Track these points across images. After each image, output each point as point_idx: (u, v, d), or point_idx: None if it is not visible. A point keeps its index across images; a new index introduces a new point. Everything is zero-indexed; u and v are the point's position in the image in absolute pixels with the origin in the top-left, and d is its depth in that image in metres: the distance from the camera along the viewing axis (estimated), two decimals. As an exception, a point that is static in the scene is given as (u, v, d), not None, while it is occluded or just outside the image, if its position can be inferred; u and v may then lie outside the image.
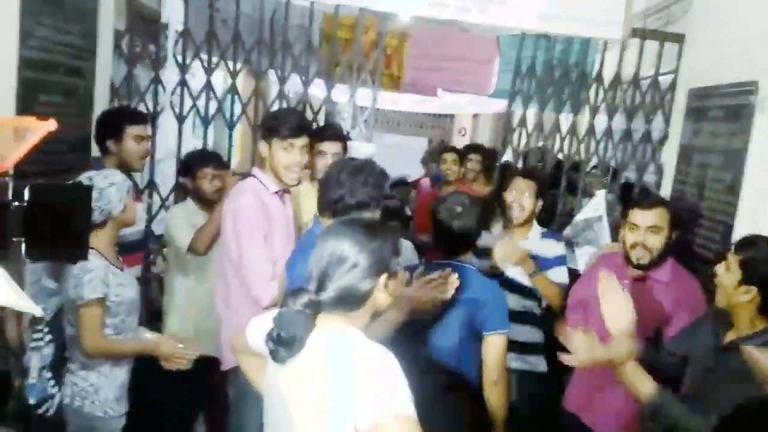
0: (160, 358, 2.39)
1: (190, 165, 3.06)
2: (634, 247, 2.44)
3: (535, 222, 2.98)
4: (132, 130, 2.80)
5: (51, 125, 0.83)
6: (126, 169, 2.80)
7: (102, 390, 2.30)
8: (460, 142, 9.89)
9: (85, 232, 0.85)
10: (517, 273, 2.85)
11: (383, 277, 1.49)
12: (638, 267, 2.48)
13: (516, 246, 2.79)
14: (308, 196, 2.78)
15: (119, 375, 2.35)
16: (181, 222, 2.94)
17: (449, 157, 4.46)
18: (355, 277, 1.45)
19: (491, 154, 4.42)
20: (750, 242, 1.90)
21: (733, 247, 1.95)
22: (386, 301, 1.53)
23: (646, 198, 2.96)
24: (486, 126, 9.31)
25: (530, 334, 2.89)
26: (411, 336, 2.09)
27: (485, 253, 2.78)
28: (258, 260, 2.25)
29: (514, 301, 2.79)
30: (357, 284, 1.46)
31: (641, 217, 2.45)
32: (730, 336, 1.92)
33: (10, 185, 0.76)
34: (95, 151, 2.99)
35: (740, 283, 1.84)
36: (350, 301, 1.47)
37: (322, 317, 1.47)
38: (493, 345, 2.21)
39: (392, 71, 4.61)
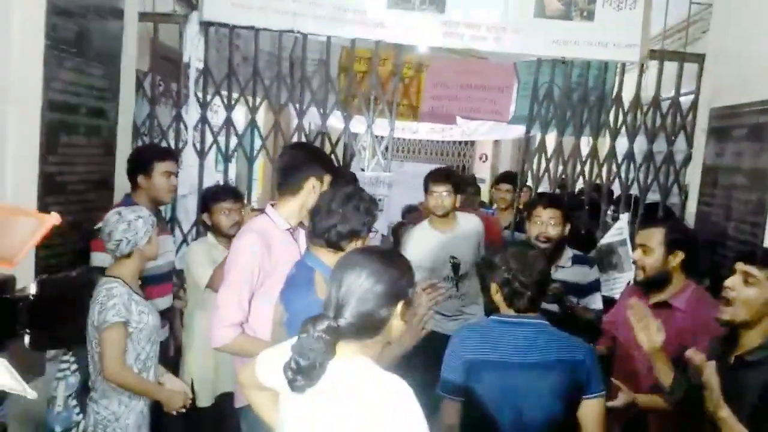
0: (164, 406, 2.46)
1: (207, 200, 3.10)
2: (635, 266, 2.52)
3: (566, 247, 2.93)
4: (161, 167, 2.87)
5: (55, 219, 0.85)
6: (155, 202, 2.89)
7: (122, 418, 2.36)
8: (481, 168, 9.89)
9: (83, 320, 0.87)
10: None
11: (400, 305, 1.50)
12: (638, 285, 2.50)
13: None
14: None
15: (139, 403, 2.40)
16: (200, 258, 2.95)
17: (504, 186, 4.52)
18: (373, 304, 1.46)
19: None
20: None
21: (739, 260, 1.90)
22: (401, 328, 1.55)
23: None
24: (507, 152, 9.29)
25: None
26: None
27: None
28: (226, 302, 2.22)
29: None
30: (375, 311, 1.46)
31: (637, 237, 2.51)
32: (738, 352, 1.89)
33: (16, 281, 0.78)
34: (119, 189, 3.04)
35: None
36: (368, 327, 1.47)
37: (340, 345, 1.47)
38: (595, 409, 1.99)
39: (410, 101, 4.64)
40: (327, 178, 2.37)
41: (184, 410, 2.49)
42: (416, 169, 9.76)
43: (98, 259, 2.61)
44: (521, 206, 3.78)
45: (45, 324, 0.81)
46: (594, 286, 2.90)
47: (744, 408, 1.76)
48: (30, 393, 0.84)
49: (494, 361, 1.96)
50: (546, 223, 2.83)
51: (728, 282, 1.89)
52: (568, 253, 2.92)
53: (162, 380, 2.52)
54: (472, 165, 10.23)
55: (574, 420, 1.99)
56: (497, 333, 2.01)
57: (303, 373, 1.42)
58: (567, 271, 2.87)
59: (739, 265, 1.88)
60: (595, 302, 2.87)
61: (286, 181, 2.36)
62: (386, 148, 3.76)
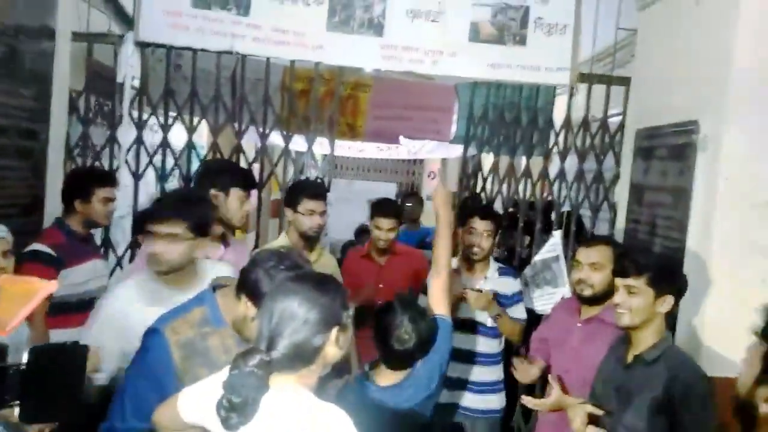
0: None
1: (142, 223, 3.05)
2: (578, 283, 2.56)
3: (491, 259, 3.10)
4: (101, 192, 2.81)
5: (52, 286, 0.85)
6: (89, 226, 2.86)
7: None
8: (429, 186, 10.02)
9: (79, 391, 0.86)
10: (483, 316, 2.96)
11: (334, 331, 1.48)
12: (585, 301, 2.56)
13: (487, 294, 2.87)
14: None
15: None
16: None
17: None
18: (306, 332, 1.43)
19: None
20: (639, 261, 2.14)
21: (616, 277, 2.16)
22: (337, 354, 1.52)
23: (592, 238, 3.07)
24: (454, 170, 9.43)
25: (490, 373, 3.01)
26: None
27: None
28: None
29: (481, 342, 2.95)
30: (309, 340, 1.44)
31: (584, 254, 2.56)
32: (631, 353, 2.13)
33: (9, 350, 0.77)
34: (49, 212, 2.97)
35: (656, 297, 2.06)
36: (302, 357, 1.45)
37: (274, 377, 1.44)
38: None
39: (352, 120, 4.68)
40: (235, 192, 2.43)
41: None
42: (365, 186, 9.86)
43: None
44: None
45: (36, 395, 0.79)
46: (517, 297, 3.07)
47: (648, 401, 1.97)
48: None
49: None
50: (480, 235, 2.96)
51: (615, 299, 2.13)
52: (494, 265, 3.08)
53: None
54: (421, 183, 10.36)
55: None
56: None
57: (237, 411, 1.38)
58: (493, 281, 3.02)
59: (618, 282, 2.13)
60: (520, 312, 3.04)
61: None
62: (328, 167, 3.78)
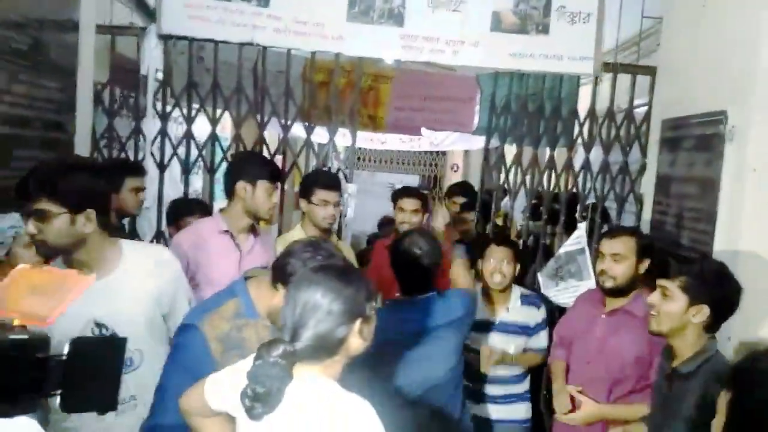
0: None
1: (174, 214, 3.10)
2: (601, 274, 2.54)
3: (514, 286, 3.01)
4: (131, 182, 2.88)
5: (91, 280, 0.87)
6: (120, 215, 2.93)
7: None
8: (452, 178, 9.97)
9: (117, 383, 0.88)
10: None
11: (358, 322, 1.48)
12: (608, 293, 2.53)
13: (497, 355, 2.83)
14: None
15: None
16: None
17: (458, 199, 4.52)
18: (330, 324, 1.44)
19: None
20: (691, 262, 2.00)
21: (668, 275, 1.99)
22: (361, 346, 1.52)
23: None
24: (477, 162, 9.38)
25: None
26: (379, 370, 2.10)
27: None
28: None
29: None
30: (332, 331, 1.44)
31: (607, 245, 2.53)
32: (675, 364, 1.99)
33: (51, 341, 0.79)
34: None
35: (690, 305, 1.89)
36: (326, 348, 1.45)
37: (298, 368, 1.45)
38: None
39: (374, 112, 4.67)
40: (262, 184, 2.44)
41: None
42: (387, 179, 9.86)
43: None
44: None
45: (76, 386, 0.81)
46: (541, 327, 2.98)
47: (683, 421, 1.83)
48: None
49: (393, 338, 2.16)
50: (501, 262, 2.89)
51: (650, 299, 1.99)
52: (516, 292, 2.99)
53: None
54: (444, 175, 10.32)
55: None
56: (397, 311, 2.28)
57: (261, 401, 1.39)
58: (516, 312, 2.95)
59: (658, 282, 1.98)
60: (542, 341, 2.97)
61: (224, 186, 2.55)
62: (349, 159, 3.78)
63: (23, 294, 0.85)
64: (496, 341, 2.89)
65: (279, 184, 2.70)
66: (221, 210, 2.56)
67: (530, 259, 3.59)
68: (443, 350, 2.25)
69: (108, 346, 0.87)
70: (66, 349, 0.79)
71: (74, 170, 1.84)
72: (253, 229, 2.58)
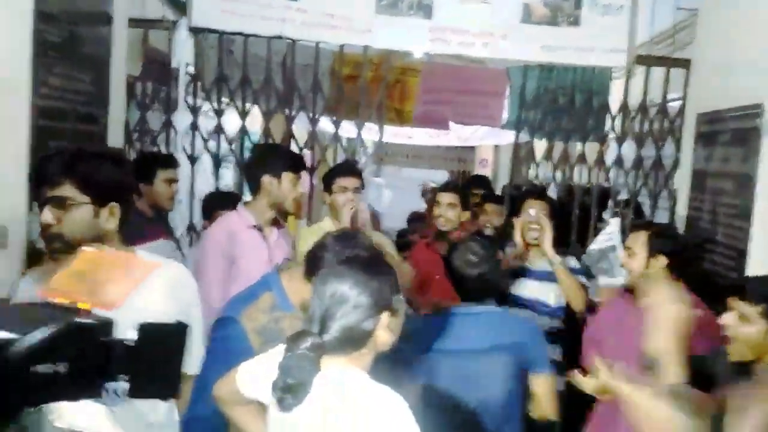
0: None
1: (210, 207, 3.13)
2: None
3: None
4: (163, 174, 2.92)
5: (157, 266, 0.88)
6: (156, 208, 2.96)
7: None
8: (481, 173, 9.88)
9: (179, 369, 0.89)
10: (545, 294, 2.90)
11: (385, 315, 1.47)
12: (626, 288, 2.51)
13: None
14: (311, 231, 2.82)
15: None
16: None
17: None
18: (357, 316, 1.44)
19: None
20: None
21: (731, 295, 1.83)
22: (389, 339, 1.51)
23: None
24: (506, 156, 9.30)
25: (550, 352, 2.88)
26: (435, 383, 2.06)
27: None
28: (209, 283, 2.34)
29: (541, 322, 2.83)
30: (360, 324, 1.44)
31: (627, 240, 2.54)
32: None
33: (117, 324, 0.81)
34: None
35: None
36: (353, 341, 1.45)
37: (326, 359, 1.45)
38: (541, 386, 2.15)
39: (402, 106, 4.64)
40: (287, 176, 2.44)
41: None
42: (415, 174, 9.82)
43: None
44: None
45: (142, 371, 0.83)
46: (576, 272, 2.96)
47: None
48: None
49: (450, 350, 2.09)
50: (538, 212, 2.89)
51: (724, 320, 1.83)
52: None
53: None
54: (473, 170, 10.23)
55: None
56: (455, 323, 2.15)
57: (291, 392, 1.40)
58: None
59: (732, 302, 1.82)
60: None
61: (248, 180, 2.56)
62: (376, 153, 3.77)
63: (88, 278, 0.86)
64: (534, 288, 2.88)
65: (301, 174, 2.69)
66: (245, 204, 2.56)
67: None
68: (502, 372, 2.12)
69: (173, 333, 0.88)
70: (133, 335, 0.80)
71: (103, 158, 1.67)
72: (276, 222, 2.60)
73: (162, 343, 0.84)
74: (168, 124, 3.60)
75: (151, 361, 0.82)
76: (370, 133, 4.20)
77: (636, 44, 3.47)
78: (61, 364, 0.71)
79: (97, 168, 1.61)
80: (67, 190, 1.56)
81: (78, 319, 0.77)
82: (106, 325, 0.77)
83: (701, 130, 3.24)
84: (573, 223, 3.67)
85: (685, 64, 3.46)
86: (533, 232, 2.88)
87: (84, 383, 0.76)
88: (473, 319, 2.16)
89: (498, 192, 4.67)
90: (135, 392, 0.81)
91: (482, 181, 4.35)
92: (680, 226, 3.30)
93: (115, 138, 3.24)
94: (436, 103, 4.69)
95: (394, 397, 1.40)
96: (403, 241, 4.14)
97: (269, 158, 2.60)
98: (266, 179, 2.48)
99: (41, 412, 0.75)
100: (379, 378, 1.50)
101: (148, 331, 0.81)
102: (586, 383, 2.31)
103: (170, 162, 3.04)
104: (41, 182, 1.58)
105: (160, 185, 2.91)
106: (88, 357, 0.75)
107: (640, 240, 2.44)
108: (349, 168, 3.00)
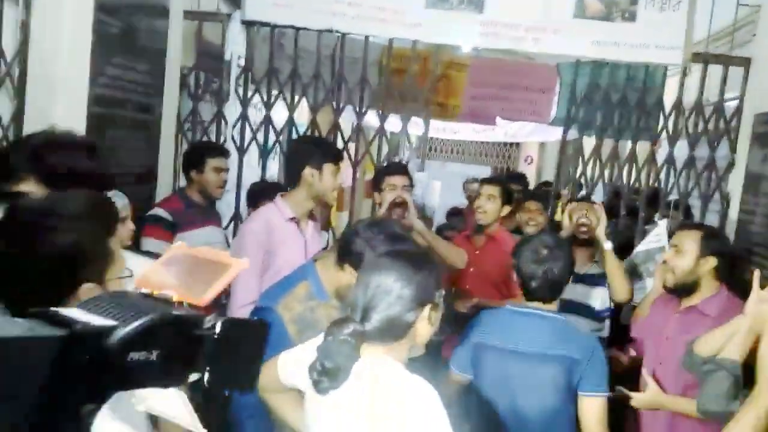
0: None
1: (255, 197, 3.20)
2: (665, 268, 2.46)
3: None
4: (212, 163, 3.01)
5: (245, 264, 0.92)
6: (206, 196, 3.04)
7: None
8: (526, 170, 9.78)
9: (258, 366, 0.93)
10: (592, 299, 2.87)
11: (427, 309, 1.50)
12: (668, 289, 2.44)
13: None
14: None
15: None
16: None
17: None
18: (400, 308, 1.46)
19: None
20: None
21: None
22: (429, 332, 1.54)
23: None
24: (552, 154, 9.17)
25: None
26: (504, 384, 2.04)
27: None
28: (237, 285, 2.35)
29: (587, 326, 2.81)
30: (402, 315, 1.47)
31: (673, 238, 2.47)
32: None
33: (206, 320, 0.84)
34: (162, 182, 3.17)
35: None
36: (394, 331, 1.48)
37: (365, 347, 1.48)
38: (590, 407, 2.02)
39: (448, 101, 4.62)
40: (328, 167, 2.46)
41: None
42: (459, 169, 9.77)
43: (150, 244, 2.72)
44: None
45: (226, 363, 0.86)
46: None
47: None
48: (201, 430, 0.90)
49: (496, 347, 2.07)
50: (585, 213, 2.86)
51: None
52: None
53: None
54: (517, 167, 10.12)
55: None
56: (507, 320, 2.11)
57: (328, 375, 1.43)
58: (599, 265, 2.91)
59: None
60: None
61: (287, 173, 2.58)
62: (421, 148, 3.78)
63: (180, 271, 0.89)
64: (580, 292, 2.84)
65: (341, 166, 2.70)
66: (282, 195, 2.56)
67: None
68: (548, 383, 2.04)
69: (254, 329, 0.91)
70: (218, 328, 0.83)
71: (74, 149, 1.50)
72: (311, 215, 2.63)
73: (244, 338, 0.87)
74: (219, 115, 3.67)
75: (234, 355, 0.85)
76: (416, 127, 4.20)
77: (693, 41, 3.37)
78: (155, 353, 0.74)
79: (66, 160, 1.45)
80: (31, 186, 1.40)
81: (176, 312, 0.80)
82: (198, 318, 0.80)
83: (758, 131, 3.14)
84: (618, 225, 3.60)
85: (744, 62, 3.35)
86: (582, 228, 2.83)
87: (173, 372, 0.78)
88: (527, 320, 2.09)
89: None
90: (213, 383, 0.84)
91: (519, 178, 4.31)
92: (731, 230, 3.21)
93: (168, 128, 3.33)
94: (483, 99, 4.65)
95: (426, 389, 1.42)
96: (441, 236, 4.13)
97: (310, 150, 2.60)
98: (307, 171, 2.48)
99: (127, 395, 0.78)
100: (420, 366, 1.52)
101: (231, 326, 0.84)
102: (636, 399, 2.29)
103: (220, 151, 3.12)
104: (2, 176, 1.42)
105: (210, 173, 2.99)
106: (180, 347, 0.78)
107: (690, 239, 2.39)
108: (398, 167, 3.08)
